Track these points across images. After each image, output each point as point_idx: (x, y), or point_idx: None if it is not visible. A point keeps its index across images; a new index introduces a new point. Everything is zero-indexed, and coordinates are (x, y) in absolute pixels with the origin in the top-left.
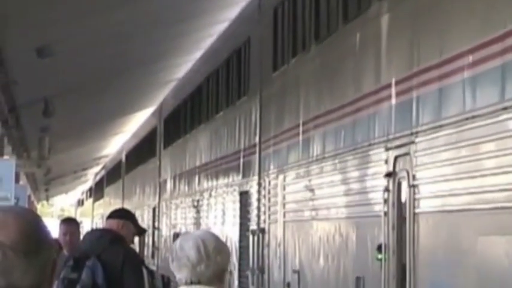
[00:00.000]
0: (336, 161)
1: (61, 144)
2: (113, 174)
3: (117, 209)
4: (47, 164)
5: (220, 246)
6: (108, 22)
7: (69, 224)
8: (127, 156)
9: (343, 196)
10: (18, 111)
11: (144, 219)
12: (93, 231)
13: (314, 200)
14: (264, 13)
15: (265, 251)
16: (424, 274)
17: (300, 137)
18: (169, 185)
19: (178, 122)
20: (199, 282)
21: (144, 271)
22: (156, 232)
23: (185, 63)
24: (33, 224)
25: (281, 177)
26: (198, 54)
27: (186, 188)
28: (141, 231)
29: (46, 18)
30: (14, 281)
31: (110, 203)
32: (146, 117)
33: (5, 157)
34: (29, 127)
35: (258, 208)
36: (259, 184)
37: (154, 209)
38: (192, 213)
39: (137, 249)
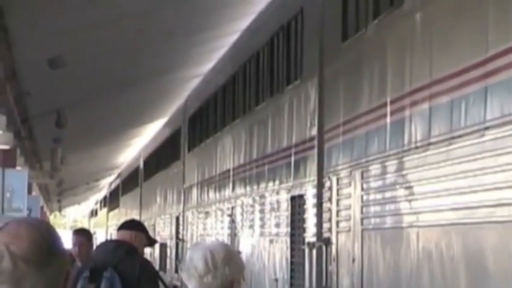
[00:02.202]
0: (453, 146)
1: (73, 155)
2: (129, 182)
3: (129, 220)
4: (59, 175)
5: (229, 258)
6: (120, 33)
7: (79, 234)
8: (145, 162)
9: (466, 194)
10: (30, 123)
11: (165, 229)
12: (107, 242)
13: (413, 201)
14: None
15: (332, 267)
16: None
17: (388, 119)
18: (195, 191)
19: (206, 120)
20: None
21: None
22: (180, 244)
23: (196, 75)
24: (45, 235)
25: (357, 173)
26: (209, 65)
27: (217, 194)
28: (152, 243)
29: (58, 30)
30: None
31: (126, 212)
32: (167, 118)
33: (18, 168)
34: (41, 138)
35: (319, 215)
36: (320, 185)
37: (177, 218)
38: (225, 223)
39: (157, 262)
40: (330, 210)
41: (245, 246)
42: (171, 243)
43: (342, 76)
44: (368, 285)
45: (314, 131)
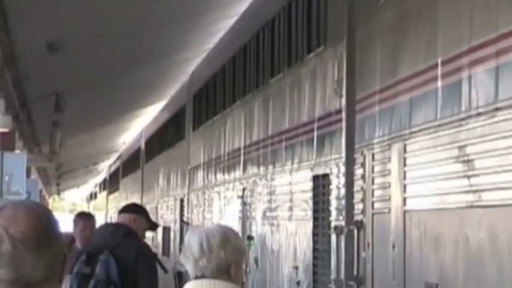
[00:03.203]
0: None
1: (72, 138)
2: (130, 164)
3: (129, 204)
4: (58, 159)
5: (225, 241)
6: (119, 17)
7: (89, 219)
8: (147, 143)
9: None
10: (29, 106)
11: (168, 212)
12: (106, 226)
13: (473, 177)
14: None
15: (365, 255)
16: None
17: (439, 83)
18: (201, 172)
19: (213, 96)
20: (203, 276)
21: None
22: (184, 227)
23: (195, 58)
24: (43, 218)
25: (398, 147)
26: (208, 47)
27: (226, 175)
28: (153, 226)
29: (57, 13)
30: (24, 273)
31: (127, 195)
32: (170, 96)
33: (17, 152)
34: (40, 122)
35: (350, 195)
36: (350, 162)
37: (182, 201)
38: (236, 205)
39: (161, 245)
40: (362, 189)
41: (259, 230)
42: (175, 227)
43: (378, 38)
44: (412, 275)
45: (342, 102)
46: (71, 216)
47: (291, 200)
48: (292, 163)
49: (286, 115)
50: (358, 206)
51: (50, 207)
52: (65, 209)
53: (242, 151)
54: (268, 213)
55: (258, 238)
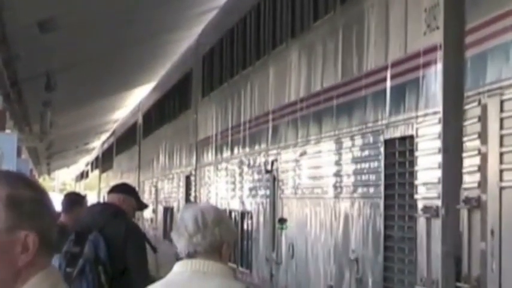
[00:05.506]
0: None
1: (63, 118)
2: (126, 140)
3: (119, 184)
4: (48, 138)
5: (219, 218)
6: None
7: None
8: (145, 117)
9: None
10: (20, 86)
11: (171, 191)
12: (95, 205)
13: None
14: None
15: (486, 246)
16: None
17: None
18: (213, 144)
19: (230, 55)
20: (195, 253)
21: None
22: None
23: (187, 38)
24: None
25: None
26: (200, 28)
27: (247, 145)
28: (142, 207)
29: None
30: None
31: (121, 173)
32: (174, 62)
33: (7, 131)
34: (31, 101)
35: (451, 163)
36: (454, 116)
37: (188, 178)
38: (263, 181)
39: (161, 227)
40: (480, 153)
41: (295, 211)
42: (179, 207)
43: None
44: None
45: (436, 37)
46: (61, 196)
47: (347, 173)
48: (350, 126)
49: (339, 65)
50: (471, 178)
51: None
52: (55, 188)
53: (270, 116)
54: (309, 190)
55: (294, 221)
